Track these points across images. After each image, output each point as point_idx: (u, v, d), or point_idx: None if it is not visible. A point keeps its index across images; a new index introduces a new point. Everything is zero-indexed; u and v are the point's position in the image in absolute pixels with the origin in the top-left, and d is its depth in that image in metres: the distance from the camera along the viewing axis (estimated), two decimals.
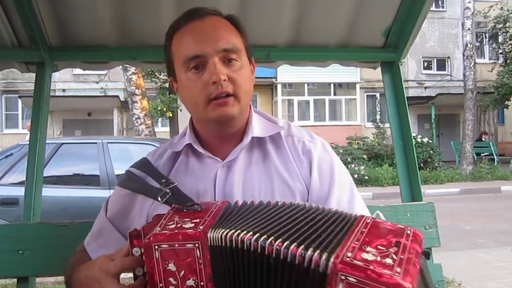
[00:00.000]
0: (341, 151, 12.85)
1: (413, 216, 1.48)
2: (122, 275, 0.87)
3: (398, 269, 0.61)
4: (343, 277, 0.61)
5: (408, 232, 0.70)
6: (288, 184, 0.96)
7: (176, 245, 0.73)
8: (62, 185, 4.71)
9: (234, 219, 0.78)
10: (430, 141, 14.13)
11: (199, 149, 0.99)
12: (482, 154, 14.61)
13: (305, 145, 1.02)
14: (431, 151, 13.51)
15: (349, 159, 12.41)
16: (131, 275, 0.83)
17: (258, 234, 0.71)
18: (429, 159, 13.30)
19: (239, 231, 0.73)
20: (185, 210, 0.82)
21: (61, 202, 4.39)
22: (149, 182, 1.00)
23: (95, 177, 4.77)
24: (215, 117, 0.93)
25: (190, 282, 0.73)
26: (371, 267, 0.61)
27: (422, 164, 12.86)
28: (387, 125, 13.42)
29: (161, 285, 0.74)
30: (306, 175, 0.98)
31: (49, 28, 1.48)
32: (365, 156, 13.31)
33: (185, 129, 1.06)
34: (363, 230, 0.70)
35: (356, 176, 11.16)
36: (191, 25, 0.94)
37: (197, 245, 0.72)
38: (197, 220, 0.77)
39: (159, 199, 0.94)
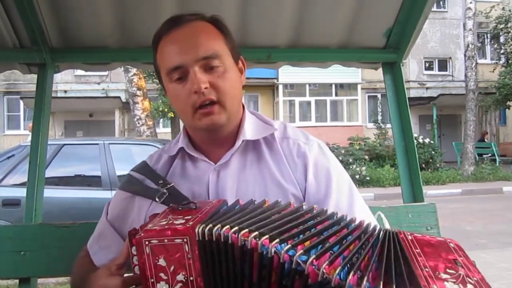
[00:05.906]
0: (342, 151, 12.84)
1: (415, 217, 1.47)
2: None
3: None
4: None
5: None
6: (281, 186, 0.96)
7: (166, 240, 0.74)
8: (63, 186, 4.71)
9: (225, 215, 0.79)
10: (432, 141, 14.11)
11: (192, 152, 1.00)
12: (484, 155, 14.58)
13: (300, 147, 1.01)
14: (433, 152, 13.49)
15: (350, 160, 12.40)
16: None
17: (237, 228, 0.72)
18: (430, 160, 13.28)
19: (224, 225, 0.74)
20: (180, 209, 0.84)
21: (63, 203, 4.39)
22: (147, 184, 1.00)
23: (97, 178, 4.77)
24: (202, 126, 0.94)
25: (180, 277, 0.74)
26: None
27: (423, 165, 12.83)
28: (388, 125, 13.42)
29: (152, 280, 0.75)
30: (301, 178, 0.98)
31: (50, 29, 1.48)
32: (366, 157, 13.30)
33: (179, 135, 1.07)
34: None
35: (357, 176, 11.15)
36: (171, 35, 0.94)
37: (185, 240, 0.74)
38: (189, 217, 0.79)
39: (156, 199, 0.95)
